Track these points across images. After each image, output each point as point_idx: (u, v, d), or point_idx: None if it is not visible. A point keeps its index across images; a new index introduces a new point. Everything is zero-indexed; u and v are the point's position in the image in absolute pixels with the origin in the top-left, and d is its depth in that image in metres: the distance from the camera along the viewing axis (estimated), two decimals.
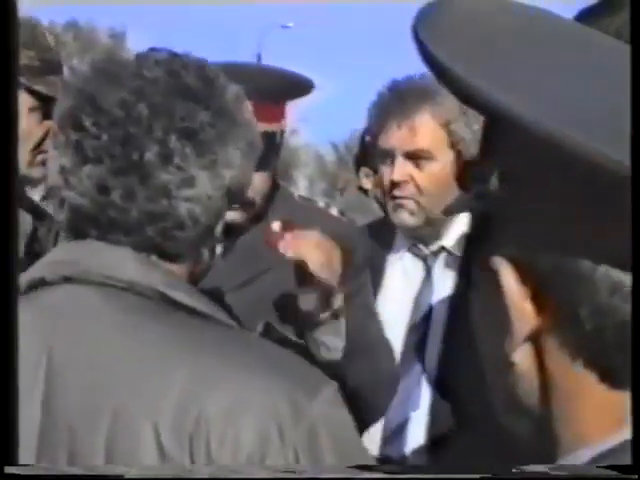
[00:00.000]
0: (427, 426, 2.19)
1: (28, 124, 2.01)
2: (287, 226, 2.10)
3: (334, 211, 2.27)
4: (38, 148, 2.08)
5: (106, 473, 1.14)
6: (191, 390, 1.15)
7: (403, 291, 2.29)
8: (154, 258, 1.28)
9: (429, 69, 0.62)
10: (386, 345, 2.02)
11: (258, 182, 2.00)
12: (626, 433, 0.64)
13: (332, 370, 1.81)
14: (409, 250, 2.32)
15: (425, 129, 2.17)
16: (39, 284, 1.27)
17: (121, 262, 1.25)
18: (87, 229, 1.27)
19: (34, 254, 1.90)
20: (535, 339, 0.67)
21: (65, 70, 2.18)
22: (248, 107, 1.36)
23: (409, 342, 2.23)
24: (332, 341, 1.84)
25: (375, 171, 2.56)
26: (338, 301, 1.82)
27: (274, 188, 2.17)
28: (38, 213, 2.10)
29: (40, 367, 1.21)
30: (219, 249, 2.08)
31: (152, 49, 1.35)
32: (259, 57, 30.12)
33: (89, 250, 1.27)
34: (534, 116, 0.57)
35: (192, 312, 1.24)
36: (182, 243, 1.28)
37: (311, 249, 1.76)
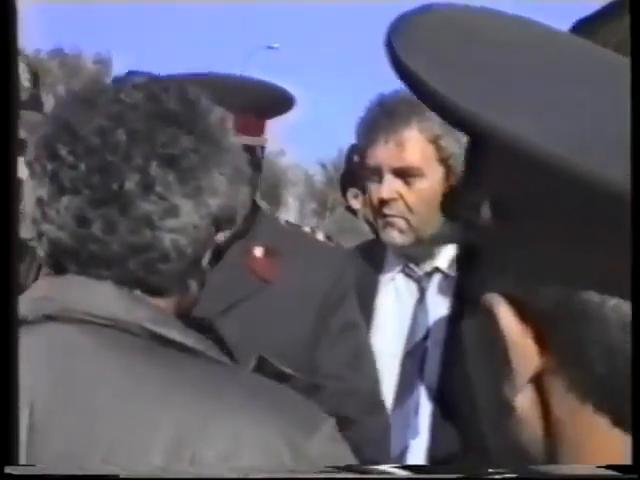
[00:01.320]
0: (428, 452, 2.13)
1: None
2: (269, 252, 2.04)
3: (320, 236, 2.21)
4: None
5: (107, 473, 1.06)
6: (182, 433, 1.08)
7: (396, 314, 2.22)
8: (138, 292, 1.21)
9: (404, 83, 0.55)
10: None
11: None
12: None
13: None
14: (402, 271, 2.25)
15: (413, 145, 2.10)
16: (21, 323, 1.20)
17: (103, 298, 1.18)
18: (67, 264, 1.20)
19: None
20: (538, 381, 0.60)
21: (50, 98, 2.11)
22: (232, 130, 1.29)
23: (405, 368, 2.16)
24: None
25: (363, 190, 2.50)
26: None
27: (254, 208, 2.11)
28: (20, 248, 2.03)
29: (23, 412, 1.14)
30: None
31: (131, 72, 1.29)
32: None
33: (69, 285, 1.20)
34: (523, 134, 0.51)
35: (181, 348, 1.17)
36: (167, 276, 1.21)
37: None
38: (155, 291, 1.22)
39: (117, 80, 1.26)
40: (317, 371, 2.03)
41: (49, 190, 1.18)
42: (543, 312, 0.57)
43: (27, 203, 1.23)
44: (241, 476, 1.04)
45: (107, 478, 1.01)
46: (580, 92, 0.56)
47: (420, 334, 2.16)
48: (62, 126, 1.20)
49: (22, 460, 1.12)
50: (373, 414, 2.05)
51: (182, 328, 1.20)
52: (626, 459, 0.58)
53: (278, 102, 2.09)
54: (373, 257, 2.28)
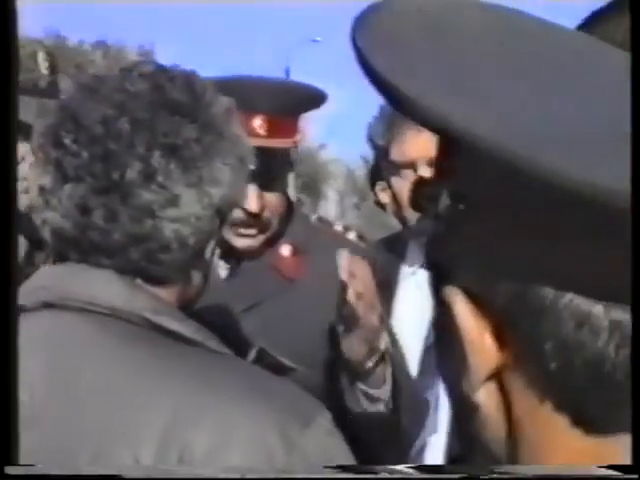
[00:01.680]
0: (447, 449, 2.11)
1: None
2: (296, 250, 2.02)
3: (352, 235, 2.20)
4: None
5: (107, 473, 1.06)
6: (174, 422, 1.07)
7: (417, 309, 2.20)
8: (139, 282, 1.21)
9: (368, 79, 0.54)
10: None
11: (275, 203, 1.94)
12: None
13: (377, 423, 1.71)
14: (423, 265, 2.23)
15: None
16: (20, 311, 1.19)
17: (103, 286, 1.18)
18: (68, 252, 1.20)
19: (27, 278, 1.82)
20: (499, 378, 0.59)
21: None
22: (238, 121, 1.28)
23: (425, 363, 2.14)
24: (374, 389, 1.75)
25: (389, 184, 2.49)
26: (383, 342, 1.71)
27: (289, 209, 2.09)
28: (36, 238, 2.03)
29: (21, 401, 1.14)
30: (224, 272, 2.01)
31: (138, 62, 1.28)
32: (287, 71, 30.17)
33: (69, 274, 1.20)
34: (483, 132, 0.49)
35: (180, 339, 1.17)
36: (168, 266, 1.20)
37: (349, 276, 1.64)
38: (157, 281, 1.22)
39: (124, 70, 1.25)
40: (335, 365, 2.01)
41: (52, 178, 1.18)
42: (501, 308, 0.56)
43: (30, 191, 1.23)
44: (238, 476, 1.04)
45: (107, 478, 1.00)
46: (547, 85, 0.55)
47: None
48: (68, 115, 1.20)
49: (20, 446, 1.12)
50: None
51: (182, 318, 1.20)
52: (588, 461, 0.57)
53: (310, 102, 2.07)
54: (395, 251, 2.27)
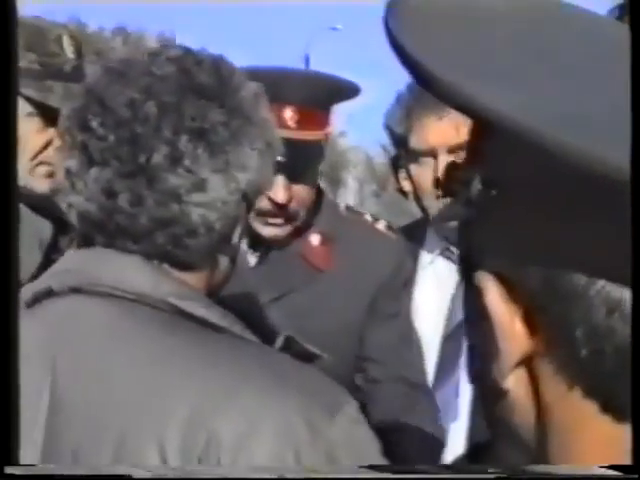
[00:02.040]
0: (467, 436, 2.11)
1: (24, 131, 1.88)
2: (325, 240, 2.02)
3: (381, 225, 2.18)
4: (37, 157, 1.99)
5: (109, 473, 1.06)
6: (201, 409, 1.07)
7: (436, 297, 2.19)
8: (166, 267, 1.20)
9: (401, 64, 0.54)
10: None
11: (303, 195, 1.94)
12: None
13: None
14: (442, 254, 2.23)
15: (466, 121, 2.07)
16: (46, 295, 1.20)
17: (130, 272, 1.17)
18: (94, 236, 1.20)
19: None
20: (529, 364, 0.58)
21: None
22: (267, 106, 1.27)
23: (445, 351, 2.14)
24: None
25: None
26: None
27: (319, 198, 2.09)
28: (61, 222, 2.02)
29: (45, 381, 1.14)
30: (253, 260, 2.01)
31: (165, 46, 1.28)
32: (307, 59, 30.11)
33: (96, 259, 1.19)
34: (517, 116, 0.49)
35: (206, 324, 1.16)
36: (195, 251, 1.20)
37: None
38: (183, 266, 1.21)
39: (151, 54, 1.24)
40: (360, 354, 2.02)
41: (78, 161, 1.18)
42: (532, 293, 0.56)
43: (57, 174, 1.22)
44: (274, 476, 1.03)
45: (113, 478, 1.00)
46: (566, 66, 0.55)
47: (459, 317, 2.13)
48: (95, 98, 1.19)
49: (45, 429, 1.13)
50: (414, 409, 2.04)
51: (208, 304, 1.19)
52: (618, 448, 0.56)
53: (342, 94, 2.06)
54: (414, 240, 2.26)
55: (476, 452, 2.05)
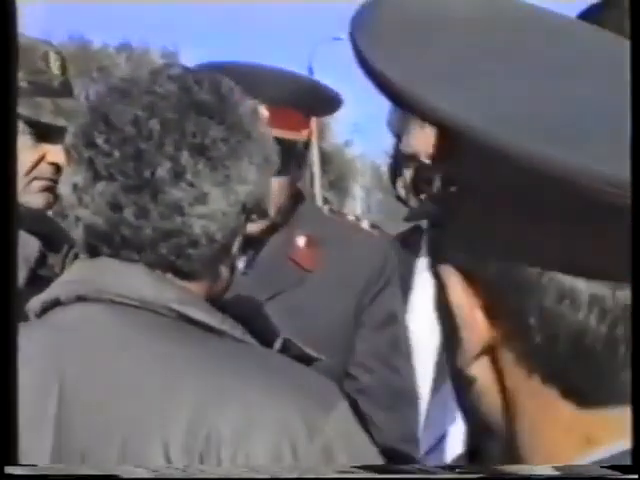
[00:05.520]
0: (465, 439, 2.14)
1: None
2: (311, 241, 2.07)
3: (365, 224, 2.24)
4: (31, 173, 2.00)
5: (109, 473, 1.11)
6: (202, 408, 1.14)
7: (432, 302, 2.23)
8: (169, 276, 1.26)
9: (366, 76, 0.58)
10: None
11: (275, 189, 1.96)
12: (597, 454, 0.60)
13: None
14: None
15: None
16: (53, 304, 1.26)
17: (134, 280, 1.24)
18: (100, 247, 1.26)
19: (41, 280, 1.82)
20: (492, 353, 0.62)
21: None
22: (264, 122, 1.33)
23: (442, 355, 2.18)
24: None
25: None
26: None
27: (297, 199, 2.14)
28: (50, 239, 2.05)
29: (53, 389, 1.20)
30: (241, 264, 2.07)
31: (166, 65, 1.34)
32: (310, 69, 30.13)
33: (101, 268, 1.26)
34: (476, 123, 0.53)
35: (207, 329, 1.23)
36: (197, 261, 1.26)
37: None
38: (186, 275, 1.27)
39: (153, 72, 1.30)
40: (350, 359, 2.07)
41: (85, 176, 1.24)
42: (490, 284, 0.60)
43: (64, 190, 1.29)
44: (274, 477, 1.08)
45: (107, 478, 1.05)
46: (523, 67, 0.58)
47: None
48: (99, 116, 1.26)
49: (52, 431, 1.18)
50: (397, 411, 2.09)
51: (208, 309, 1.25)
52: (580, 432, 0.60)
53: (319, 99, 2.10)
54: (411, 245, 2.31)
55: (476, 453, 2.10)
